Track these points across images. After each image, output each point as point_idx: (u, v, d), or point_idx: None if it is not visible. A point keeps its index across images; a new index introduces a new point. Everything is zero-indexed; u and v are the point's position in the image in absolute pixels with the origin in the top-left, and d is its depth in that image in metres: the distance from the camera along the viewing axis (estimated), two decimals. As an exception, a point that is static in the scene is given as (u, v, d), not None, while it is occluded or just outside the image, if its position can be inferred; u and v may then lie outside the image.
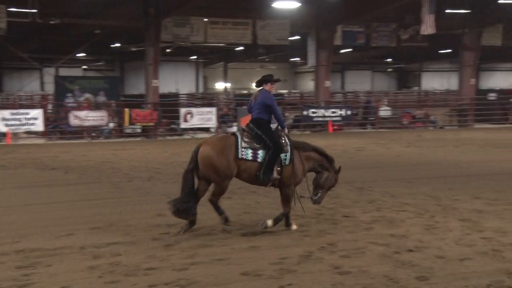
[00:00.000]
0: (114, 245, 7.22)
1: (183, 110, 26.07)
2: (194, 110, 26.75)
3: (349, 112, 29.36)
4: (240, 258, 6.69)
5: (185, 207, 7.62)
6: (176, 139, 24.50)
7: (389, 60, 54.78)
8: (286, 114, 29.78)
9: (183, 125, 25.87)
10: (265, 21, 29.16)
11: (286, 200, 8.02)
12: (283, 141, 7.96)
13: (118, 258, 6.66)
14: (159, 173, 13.72)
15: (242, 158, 7.77)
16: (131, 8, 26.11)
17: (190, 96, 44.00)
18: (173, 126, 26.43)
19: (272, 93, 8.19)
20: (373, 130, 28.45)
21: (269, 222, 7.84)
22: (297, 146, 8.12)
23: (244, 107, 29.81)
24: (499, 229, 7.81)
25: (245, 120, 27.72)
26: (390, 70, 60.77)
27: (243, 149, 7.79)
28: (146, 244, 7.30)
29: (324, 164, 8.28)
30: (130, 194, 10.89)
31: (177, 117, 25.74)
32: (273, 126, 8.08)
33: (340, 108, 29.49)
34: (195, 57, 47.78)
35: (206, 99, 39.06)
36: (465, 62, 33.55)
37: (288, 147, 7.96)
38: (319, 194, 8.32)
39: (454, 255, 6.63)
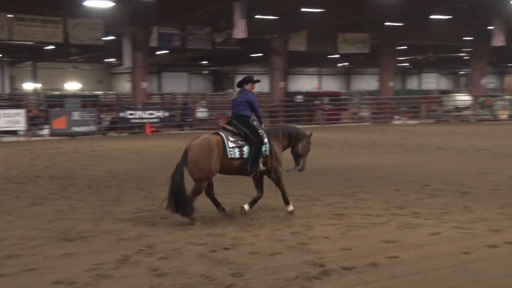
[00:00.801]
0: None
1: (-14, 112, 24.21)
2: None
3: (166, 114, 29.39)
4: (53, 266, 6.37)
5: (183, 207, 8.23)
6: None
7: (204, 62, 55.72)
8: (103, 116, 28.96)
9: (-13, 128, 24.02)
10: (77, 19, 28.10)
11: (278, 182, 8.95)
12: (261, 134, 8.77)
13: None
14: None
15: (231, 158, 8.48)
16: None
17: (-5, 97, 40.91)
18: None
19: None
20: (191, 131, 28.74)
21: (289, 208, 8.87)
22: (270, 135, 8.93)
23: (57, 108, 28.49)
24: (306, 224, 8.31)
25: (58, 122, 26.92)
26: (205, 72, 61.85)
27: (231, 149, 8.48)
28: None
29: (294, 137, 9.21)
30: None
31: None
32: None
33: (158, 110, 29.40)
34: (-1, 55, 44.58)
35: (13, 100, 36.61)
36: (274, 66, 35.31)
37: (266, 140, 8.79)
38: (301, 162, 9.32)
39: (266, 250, 6.93)
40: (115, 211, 7.82)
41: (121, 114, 28.03)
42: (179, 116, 31.03)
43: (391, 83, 38.88)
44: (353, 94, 50.98)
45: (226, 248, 7.04)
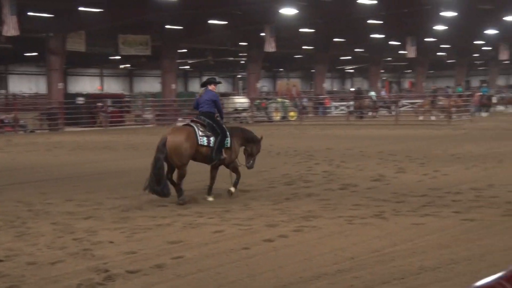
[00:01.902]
0: None
1: None
2: None
3: None
4: None
5: (160, 188, 9.54)
6: None
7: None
8: None
9: None
10: None
11: (235, 170, 10.51)
12: (225, 128, 10.26)
13: None
14: None
15: (201, 144, 9.93)
16: None
17: None
18: None
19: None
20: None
21: (232, 189, 10.30)
22: (231, 132, 10.43)
23: None
24: (89, 229, 8.06)
25: None
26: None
27: (200, 137, 9.94)
28: None
29: (249, 139, 10.75)
30: None
31: None
32: None
33: None
34: None
35: None
36: (51, 66, 33.62)
37: (228, 133, 10.25)
38: (251, 161, 10.84)
39: (46, 260, 6.58)
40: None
41: None
42: None
43: (173, 86, 39.44)
44: (136, 96, 50.69)
45: (0, 261, 6.54)
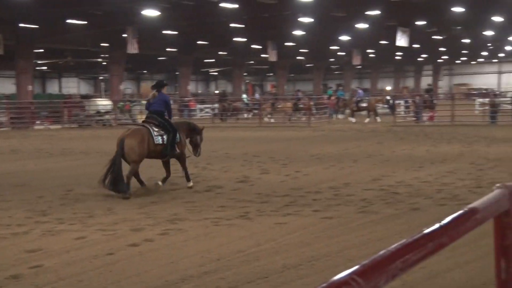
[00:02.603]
0: None
1: None
2: None
3: None
4: None
5: (120, 185, 10.42)
6: None
7: None
8: None
9: None
10: None
11: (183, 163, 11.58)
12: (174, 125, 11.40)
13: None
14: None
15: (157, 143, 10.96)
16: None
17: None
18: None
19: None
20: None
21: (189, 184, 11.43)
22: (178, 127, 11.48)
23: None
24: None
25: None
26: None
27: (156, 137, 10.95)
28: None
29: (193, 131, 12.01)
30: None
31: None
32: None
33: None
34: None
35: None
36: None
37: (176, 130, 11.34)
38: (199, 150, 12.16)
39: None
40: None
41: None
42: None
43: (29, 87, 37.43)
44: (-13, 97, 47.46)
45: None
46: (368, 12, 33.08)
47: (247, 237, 7.61)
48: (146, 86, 54.25)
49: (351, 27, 38.74)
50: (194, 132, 12.06)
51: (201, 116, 40.92)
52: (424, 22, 37.58)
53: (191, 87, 57.25)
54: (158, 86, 11.77)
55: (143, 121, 11.73)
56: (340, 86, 54.07)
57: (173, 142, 11.22)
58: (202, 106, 44.08)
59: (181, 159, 11.61)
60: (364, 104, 34.69)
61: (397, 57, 64.27)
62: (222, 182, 12.33)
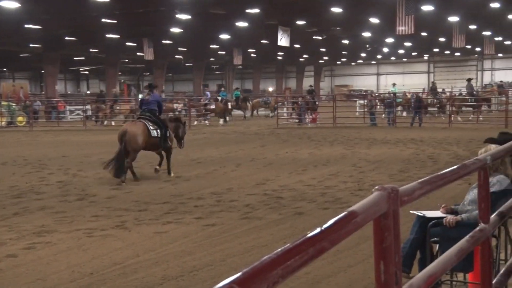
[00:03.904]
0: None
1: None
2: None
3: None
4: None
5: (120, 171, 12.77)
6: None
7: None
8: None
9: None
10: None
11: (169, 156, 13.85)
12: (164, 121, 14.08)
13: None
14: None
15: (153, 136, 13.33)
16: None
17: None
18: None
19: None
20: None
21: (171, 174, 13.72)
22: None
23: None
24: None
25: None
26: None
27: (152, 130, 13.35)
28: None
29: (177, 126, 14.47)
30: None
31: None
32: None
33: None
34: None
35: None
36: None
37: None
38: (183, 142, 14.69)
39: None
40: None
41: None
42: None
43: None
44: None
45: None
46: (248, 10, 33.54)
47: (124, 248, 7.48)
48: (7, 85, 51.55)
49: (231, 25, 39.16)
50: (178, 126, 14.57)
51: (72, 118, 39.54)
52: (304, 22, 38.75)
53: (59, 87, 55.25)
54: (150, 88, 14.62)
55: (138, 117, 14.37)
56: (222, 87, 54.51)
57: (165, 136, 13.70)
58: (72, 108, 42.59)
59: (169, 151, 13.95)
60: (212, 107, 35.49)
61: (279, 57, 65.85)
62: (95, 189, 12.04)
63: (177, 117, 16.07)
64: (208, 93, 38.88)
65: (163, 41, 46.89)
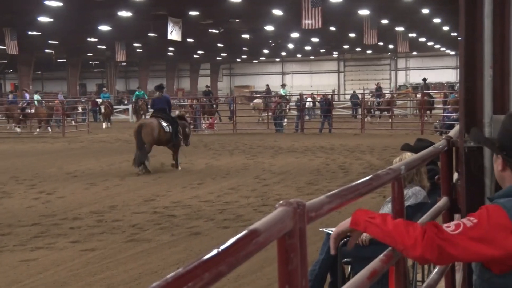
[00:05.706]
0: None
1: None
2: None
3: None
4: None
5: (141, 161, 16.37)
6: None
7: None
8: None
9: None
10: None
11: (177, 150, 17.37)
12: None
13: None
14: None
15: (166, 131, 16.97)
16: None
17: None
18: None
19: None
20: None
21: (179, 167, 17.27)
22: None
23: None
24: None
25: None
26: None
27: (165, 126, 16.97)
28: None
29: (184, 124, 18.19)
30: None
31: None
32: None
33: None
34: None
35: None
36: None
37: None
38: (188, 140, 18.23)
39: None
40: None
41: None
42: None
43: None
44: None
45: None
46: (131, -2, 33.29)
47: (-18, 282, 7.20)
48: None
49: (112, 15, 38.60)
50: (184, 125, 18.03)
51: None
52: (198, 13, 38.76)
53: None
54: (160, 89, 18.40)
55: (151, 116, 17.79)
56: (104, 87, 53.55)
57: (176, 132, 17.07)
58: None
59: (177, 146, 17.24)
60: (32, 111, 34.70)
61: (169, 53, 65.58)
62: None
63: (183, 115, 20.31)
64: (27, 95, 37.72)
65: (29, 32, 45.47)
